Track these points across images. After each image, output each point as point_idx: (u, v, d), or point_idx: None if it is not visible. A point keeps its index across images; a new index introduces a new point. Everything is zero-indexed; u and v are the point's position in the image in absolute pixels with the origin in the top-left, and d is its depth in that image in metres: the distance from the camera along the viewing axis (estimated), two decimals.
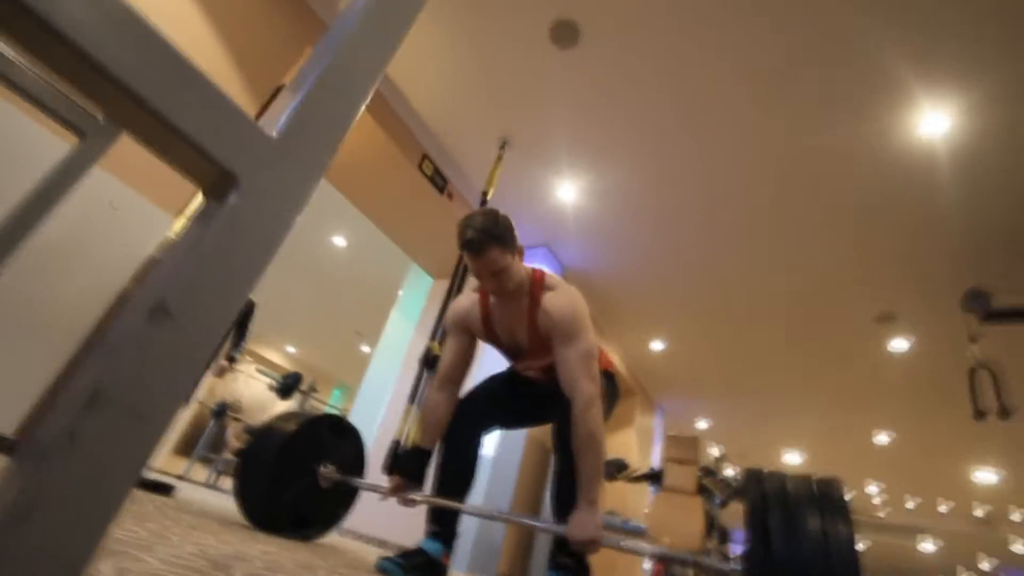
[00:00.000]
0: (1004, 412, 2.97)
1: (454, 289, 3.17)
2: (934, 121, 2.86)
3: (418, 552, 1.55)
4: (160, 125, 0.31)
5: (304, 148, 0.36)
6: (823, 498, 0.93)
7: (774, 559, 0.86)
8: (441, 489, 1.67)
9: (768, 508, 0.92)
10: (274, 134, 0.35)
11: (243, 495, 1.73)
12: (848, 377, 5.62)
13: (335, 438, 1.90)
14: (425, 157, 3.87)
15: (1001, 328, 3.31)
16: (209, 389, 6.88)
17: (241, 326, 3.13)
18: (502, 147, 3.67)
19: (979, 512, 8.57)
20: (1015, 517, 8.42)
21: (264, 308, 3.49)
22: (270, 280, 6.94)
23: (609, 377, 1.71)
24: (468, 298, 1.78)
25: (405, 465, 1.69)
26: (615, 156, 3.68)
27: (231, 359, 3.06)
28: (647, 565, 6.22)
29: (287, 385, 5.16)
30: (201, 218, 0.33)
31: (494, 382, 1.88)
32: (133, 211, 1.93)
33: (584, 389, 1.44)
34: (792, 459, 8.59)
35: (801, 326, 4.97)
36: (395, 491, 1.64)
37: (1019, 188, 3.10)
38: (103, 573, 0.49)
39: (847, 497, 0.99)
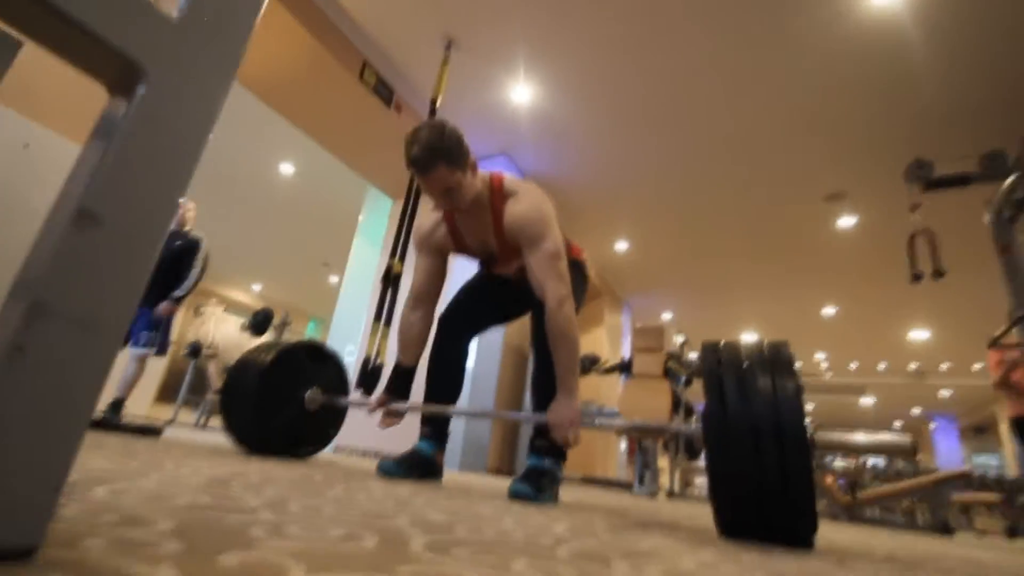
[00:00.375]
0: (937, 274, 3.22)
1: (408, 210, 3.08)
2: None
3: (414, 453, 1.66)
4: (51, 17, 0.27)
5: (212, 30, 0.33)
6: (772, 358, 1.03)
7: (729, 415, 0.96)
8: (430, 398, 1.75)
9: (723, 370, 1.01)
10: (175, 14, 0.31)
11: (232, 426, 1.77)
12: (799, 256, 5.94)
13: (315, 364, 1.93)
14: (366, 65, 3.58)
15: (935, 203, 3.49)
16: (178, 334, 6.76)
17: (181, 262, 2.99)
18: (448, 47, 3.42)
19: (913, 367, 9.61)
20: (943, 368, 9.49)
21: (220, 247, 3.33)
22: (221, 217, 6.61)
23: (576, 266, 1.75)
24: (433, 215, 1.75)
25: (389, 385, 1.74)
26: (569, 54, 3.49)
27: (175, 299, 2.94)
28: (623, 447, 6.84)
29: (258, 321, 5.12)
30: (111, 116, 0.30)
31: (470, 292, 1.91)
32: (50, 150, 1.77)
33: (553, 290, 1.47)
34: (749, 338, 9.28)
35: (755, 211, 5.13)
36: (381, 406, 1.71)
37: (964, 61, 3.13)
38: (97, 495, 0.50)
39: (794, 357, 1.08)
